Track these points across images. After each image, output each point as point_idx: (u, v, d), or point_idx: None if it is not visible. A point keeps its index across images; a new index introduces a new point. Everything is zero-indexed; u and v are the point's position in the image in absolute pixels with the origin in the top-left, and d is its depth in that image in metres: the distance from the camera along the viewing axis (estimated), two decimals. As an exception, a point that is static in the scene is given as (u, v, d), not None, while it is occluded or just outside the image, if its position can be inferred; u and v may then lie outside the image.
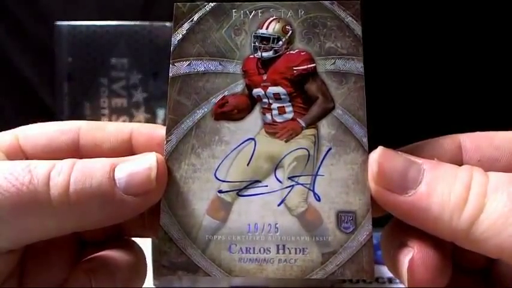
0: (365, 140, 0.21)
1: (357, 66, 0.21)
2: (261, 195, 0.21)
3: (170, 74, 0.22)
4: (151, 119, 0.49)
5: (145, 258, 0.24)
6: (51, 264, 0.21)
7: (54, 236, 0.19)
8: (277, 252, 0.20)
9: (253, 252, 0.20)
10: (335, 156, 0.21)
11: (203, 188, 0.21)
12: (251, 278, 0.20)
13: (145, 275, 0.23)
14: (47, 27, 0.52)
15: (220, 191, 0.21)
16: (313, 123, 0.21)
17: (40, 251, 0.21)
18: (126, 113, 0.49)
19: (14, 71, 0.62)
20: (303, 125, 0.21)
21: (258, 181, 0.21)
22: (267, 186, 0.21)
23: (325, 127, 0.21)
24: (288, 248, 0.20)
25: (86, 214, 0.18)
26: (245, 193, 0.21)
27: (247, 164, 0.21)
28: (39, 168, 0.18)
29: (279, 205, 0.20)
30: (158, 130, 0.22)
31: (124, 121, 0.49)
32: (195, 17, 0.22)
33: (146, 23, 0.48)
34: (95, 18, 0.49)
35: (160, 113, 0.49)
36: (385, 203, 0.19)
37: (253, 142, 0.21)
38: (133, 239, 0.24)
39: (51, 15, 0.59)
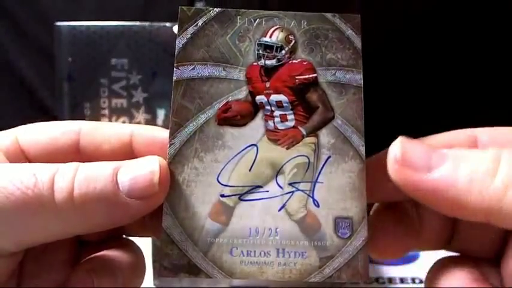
0: (362, 149, 0.21)
1: (356, 78, 0.22)
2: (262, 200, 0.21)
3: (174, 78, 0.22)
4: (151, 119, 0.49)
5: (144, 258, 0.24)
6: (50, 264, 0.22)
7: (58, 239, 0.19)
8: (277, 256, 0.21)
9: (254, 256, 0.21)
10: (334, 164, 0.21)
11: (206, 192, 0.21)
12: (252, 280, 0.21)
13: (144, 275, 0.24)
14: (46, 28, 0.52)
15: (222, 195, 0.21)
16: (313, 132, 0.22)
17: (39, 251, 0.21)
18: (126, 113, 0.49)
19: (13, 71, 0.62)
20: (304, 133, 0.22)
21: (260, 186, 0.21)
22: (268, 191, 0.21)
23: (325, 136, 0.22)
24: (288, 252, 0.21)
25: (90, 217, 0.19)
26: (247, 198, 0.21)
27: (249, 170, 0.21)
28: (43, 172, 0.18)
29: (279, 210, 0.21)
30: (159, 133, 0.22)
31: (124, 121, 0.49)
32: (200, 22, 0.22)
33: (146, 23, 0.48)
34: (94, 19, 0.49)
35: (161, 113, 0.49)
36: (408, 184, 0.18)
37: (255, 148, 0.21)
38: (132, 238, 0.24)
39: (51, 15, 0.59)
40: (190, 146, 0.21)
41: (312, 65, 0.22)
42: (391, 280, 0.38)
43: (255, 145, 0.21)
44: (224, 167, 0.21)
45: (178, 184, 0.21)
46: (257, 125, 0.22)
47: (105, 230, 0.22)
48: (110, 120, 0.49)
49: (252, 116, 0.22)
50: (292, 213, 0.21)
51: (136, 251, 0.24)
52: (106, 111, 0.49)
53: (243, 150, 0.21)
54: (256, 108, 0.22)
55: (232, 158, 0.21)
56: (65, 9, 0.60)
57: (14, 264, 0.20)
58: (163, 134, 0.22)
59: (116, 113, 0.49)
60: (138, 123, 0.49)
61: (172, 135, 0.21)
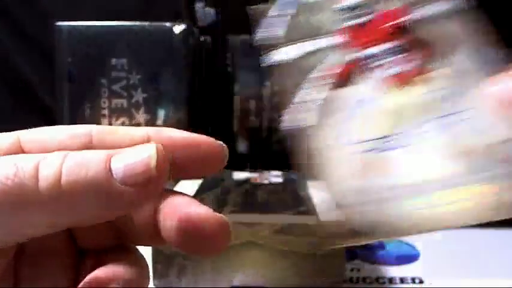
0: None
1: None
2: (400, 148, 0.20)
3: (266, 64, 0.21)
4: (151, 119, 0.49)
5: (147, 264, 0.23)
6: (47, 270, 0.21)
7: (47, 233, 0.18)
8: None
9: (425, 202, 0.19)
10: (467, 95, 0.20)
11: (343, 155, 0.20)
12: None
13: (149, 282, 0.23)
14: (47, 28, 0.52)
15: (360, 152, 0.20)
16: (436, 69, 0.20)
17: (35, 255, 0.20)
18: (126, 113, 0.49)
19: (14, 71, 0.62)
20: (429, 70, 0.20)
21: (393, 135, 0.20)
22: (404, 137, 0.20)
23: (455, 66, 0.20)
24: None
25: (80, 208, 0.17)
26: (384, 148, 0.20)
27: (375, 122, 0.20)
28: (25, 161, 0.17)
29: (427, 153, 0.20)
30: (177, 133, 0.20)
31: (124, 121, 0.49)
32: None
33: (146, 23, 0.49)
34: (95, 19, 0.49)
35: (161, 113, 0.49)
36: None
37: (371, 100, 0.21)
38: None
39: (51, 15, 0.59)
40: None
41: (404, 6, 0.21)
42: (391, 280, 0.38)
43: (370, 98, 0.21)
44: (347, 126, 0.20)
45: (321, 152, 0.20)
46: (364, 81, 0.21)
47: (106, 237, 0.21)
48: (110, 120, 0.49)
49: (354, 75, 0.21)
50: (450, 150, 0.19)
51: (139, 258, 0.22)
52: (106, 111, 0.49)
53: (359, 107, 0.21)
54: (356, 66, 0.21)
55: (351, 116, 0.21)
56: (65, 9, 0.60)
57: (4, 263, 0.19)
58: (182, 134, 0.20)
59: (116, 113, 0.49)
60: (138, 123, 0.49)
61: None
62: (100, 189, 0.17)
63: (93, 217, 0.18)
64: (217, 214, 0.18)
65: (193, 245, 0.18)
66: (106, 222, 0.20)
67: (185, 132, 0.20)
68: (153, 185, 0.18)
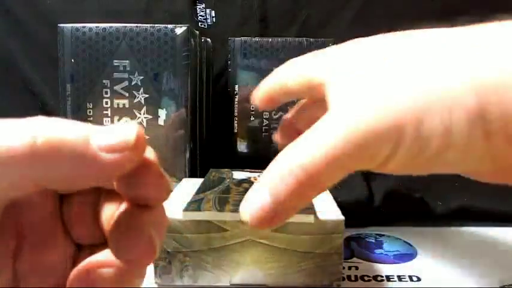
0: None
1: None
2: None
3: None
4: (153, 120, 0.50)
5: None
6: (46, 267, 0.21)
7: (25, 192, 0.18)
8: None
9: None
10: None
11: None
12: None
13: (145, 271, 0.23)
14: (49, 29, 0.53)
15: None
16: None
17: (33, 254, 0.20)
18: (128, 113, 0.50)
19: (17, 72, 0.62)
20: None
21: None
22: None
23: None
24: None
25: (54, 167, 0.17)
26: None
27: None
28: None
29: None
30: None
31: (126, 121, 0.50)
32: None
33: (148, 25, 0.49)
34: (97, 21, 0.50)
35: (162, 113, 0.50)
36: None
37: None
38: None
39: (54, 17, 0.60)
40: None
41: None
42: (388, 278, 0.38)
43: None
44: None
45: None
46: None
47: (100, 233, 0.21)
48: (112, 120, 0.50)
49: None
50: None
51: None
52: (108, 112, 0.50)
53: None
54: None
55: None
56: (68, 11, 0.61)
57: None
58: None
59: (118, 113, 0.50)
60: (140, 123, 0.49)
61: None
62: (76, 149, 0.17)
63: (68, 181, 0.18)
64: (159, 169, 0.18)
65: (132, 191, 0.18)
66: (97, 219, 0.20)
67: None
68: (128, 155, 0.18)
